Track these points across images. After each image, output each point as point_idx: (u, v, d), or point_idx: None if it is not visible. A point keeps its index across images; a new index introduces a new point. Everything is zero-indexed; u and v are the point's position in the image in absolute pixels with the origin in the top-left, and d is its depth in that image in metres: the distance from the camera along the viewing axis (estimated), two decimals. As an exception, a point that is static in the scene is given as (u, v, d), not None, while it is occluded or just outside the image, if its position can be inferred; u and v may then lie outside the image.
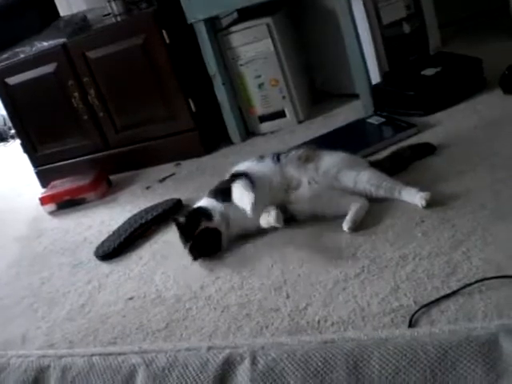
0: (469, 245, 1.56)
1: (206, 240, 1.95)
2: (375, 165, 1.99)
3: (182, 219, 1.99)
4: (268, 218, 1.88)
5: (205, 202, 2.04)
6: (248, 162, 2.09)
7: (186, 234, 1.97)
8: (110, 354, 0.80)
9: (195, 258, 1.95)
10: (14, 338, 1.90)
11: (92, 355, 0.81)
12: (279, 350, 0.71)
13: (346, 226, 1.79)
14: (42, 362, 0.83)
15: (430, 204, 1.76)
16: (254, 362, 0.71)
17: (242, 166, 2.07)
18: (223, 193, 2.00)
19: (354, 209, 1.83)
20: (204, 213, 1.97)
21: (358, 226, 1.80)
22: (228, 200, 1.96)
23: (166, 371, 0.75)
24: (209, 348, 0.77)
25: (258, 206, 1.86)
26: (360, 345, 0.69)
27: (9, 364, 0.84)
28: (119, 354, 0.79)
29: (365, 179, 1.89)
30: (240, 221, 1.94)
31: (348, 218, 1.81)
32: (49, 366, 0.81)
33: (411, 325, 1.34)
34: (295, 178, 1.97)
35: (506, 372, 0.66)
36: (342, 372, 0.67)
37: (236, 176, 2.01)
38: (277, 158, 2.03)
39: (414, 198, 1.80)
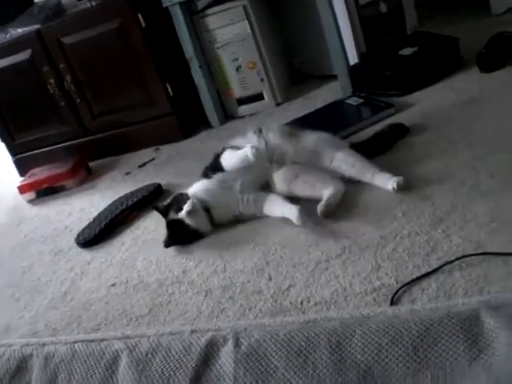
0: (448, 223, 1.57)
1: (174, 231, 1.96)
2: (356, 147, 1.99)
3: (162, 205, 2.02)
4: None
5: (198, 185, 2.03)
6: (231, 142, 2.09)
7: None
8: (93, 341, 0.79)
9: (166, 246, 1.96)
10: (-3, 328, 1.89)
11: (74, 342, 0.80)
12: (262, 331, 0.72)
13: (319, 211, 1.79)
14: (24, 351, 0.82)
15: (402, 188, 1.76)
16: (237, 343, 0.71)
17: (229, 144, 2.08)
18: (212, 168, 2.02)
19: (329, 193, 1.82)
20: (176, 202, 1.97)
21: (334, 210, 1.80)
22: (217, 171, 1.98)
23: (150, 355, 0.75)
24: (192, 331, 0.77)
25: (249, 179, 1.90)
26: (342, 323, 0.69)
27: (-10, 353, 0.83)
28: (102, 340, 0.79)
29: (341, 158, 1.90)
30: (229, 198, 1.95)
31: (322, 202, 1.81)
32: (31, 355, 0.81)
33: (393, 303, 1.36)
34: (278, 148, 1.98)
35: (488, 347, 0.67)
36: (325, 351, 0.68)
37: (221, 150, 2.04)
38: (259, 131, 2.05)
39: (387, 182, 1.79)
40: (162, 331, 0.78)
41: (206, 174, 2.03)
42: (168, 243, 1.96)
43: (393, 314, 0.68)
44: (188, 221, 1.92)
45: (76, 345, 0.80)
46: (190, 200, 1.92)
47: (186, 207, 1.90)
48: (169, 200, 2.04)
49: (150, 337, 0.76)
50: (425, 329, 0.66)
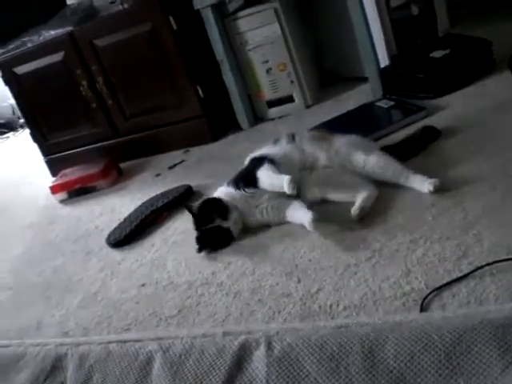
0: (480, 227, 1.55)
1: (216, 237, 1.94)
2: (387, 149, 1.98)
3: (195, 207, 1.99)
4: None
5: (223, 191, 2.01)
6: (265, 147, 2.09)
7: (197, 223, 1.98)
8: (127, 341, 0.80)
9: (199, 250, 1.96)
10: (29, 326, 1.91)
11: (109, 342, 0.81)
12: (294, 336, 0.72)
13: (353, 213, 1.78)
14: (59, 350, 0.83)
15: (438, 190, 1.75)
16: (269, 347, 0.72)
17: (260, 151, 2.07)
18: (245, 180, 1.98)
19: (362, 196, 1.81)
20: (220, 209, 1.94)
21: (367, 213, 1.79)
22: (251, 187, 1.95)
23: (183, 357, 0.75)
24: (224, 334, 0.78)
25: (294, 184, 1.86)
26: (374, 329, 0.69)
27: (26, 352, 0.85)
28: (136, 340, 0.80)
29: (373, 162, 1.89)
30: (258, 210, 1.94)
31: (356, 205, 1.80)
32: (66, 354, 0.82)
33: (423, 308, 1.35)
34: (311, 155, 1.98)
35: (521, 355, 0.67)
36: (358, 356, 0.68)
37: (256, 160, 2.01)
38: (292, 137, 2.04)
39: (422, 184, 1.78)
40: (195, 333, 0.79)
41: (237, 184, 1.99)
42: (201, 247, 1.96)
43: (425, 321, 0.68)
44: (234, 229, 1.93)
45: (110, 345, 0.81)
46: (234, 209, 1.93)
47: (233, 217, 1.91)
48: (198, 203, 2.01)
49: (183, 338, 0.76)
50: (458, 336, 0.65)
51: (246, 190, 1.96)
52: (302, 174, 1.96)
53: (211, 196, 2.04)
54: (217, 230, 1.93)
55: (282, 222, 1.93)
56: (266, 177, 1.92)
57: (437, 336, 0.67)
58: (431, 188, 1.75)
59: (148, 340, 0.79)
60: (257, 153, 2.08)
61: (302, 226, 1.84)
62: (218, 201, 1.98)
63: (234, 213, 1.93)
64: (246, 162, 2.09)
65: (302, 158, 1.98)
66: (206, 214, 1.96)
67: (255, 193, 1.95)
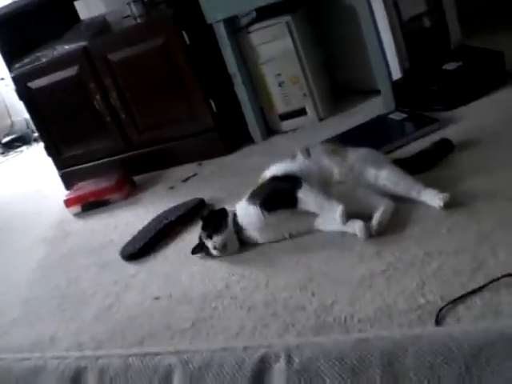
0: (495, 240, 1.55)
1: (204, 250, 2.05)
2: (400, 162, 1.98)
3: (205, 214, 2.07)
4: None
5: (240, 207, 2.02)
6: (281, 163, 2.07)
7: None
8: (147, 355, 0.81)
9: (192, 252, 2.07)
10: (43, 338, 1.92)
11: (128, 356, 0.82)
12: (314, 349, 0.72)
13: (371, 229, 1.77)
14: (79, 364, 0.84)
15: (448, 205, 1.74)
16: (289, 360, 0.72)
17: (276, 169, 2.05)
18: (276, 200, 1.94)
19: (380, 210, 1.81)
20: (213, 226, 2.01)
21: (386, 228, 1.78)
22: (280, 209, 1.92)
23: (203, 370, 0.76)
24: (244, 348, 0.78)
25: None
26: (394, 342, 0.69)
27: (46, 366, 0.85)
28: (155, 354, 0.80)
29: (384, 176, 1.88)
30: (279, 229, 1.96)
31: (374, 220, 1.79)
32: (86, 368, 0.83)
33: (438, 321, 1.34)
34: (327, 169, 1.97)
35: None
36: (378, 370, 0.68)
37: (284, 179, 1.98)
38: (307, 152, 2.04)
39: (433, 199, 1.77)
40: (215, 347, 0.79)
41: (265, 205, 1.94)
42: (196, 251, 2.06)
43: (445, 334, 0.68)
44: (215, 253, 1.99)
45: (130, 358, 0.81)
46: (226, 231, 1.97)
47: (216, 243, 1.97)
48: (209, 211, 2.10)
49: (202, 352, 0.77)
50: (477, 349, 0.65)
51: (269, 212, 1.93)
52: (325, 190, 1.92)
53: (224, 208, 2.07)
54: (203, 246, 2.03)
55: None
56: (312, 199, 1.88)
57: (457, 349, 0.67)
58: (441, 203, 1.75)
59: (167, 353, 0.79)
60: (276, 169, 2.05)
61: (316, 238, 1.85)
62: (221, 212, 2.04)
63: (221, 241, 1.96)
64: (263, 177, 2.07)
65: (319, 173, 1.97)
66: (207, 222, 2.03)
67: (277, 215, 1.93)
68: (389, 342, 0.69)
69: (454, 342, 0.66)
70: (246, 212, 1.99)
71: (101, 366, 0.81)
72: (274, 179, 2.02)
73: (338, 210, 1.80)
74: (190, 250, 2.07)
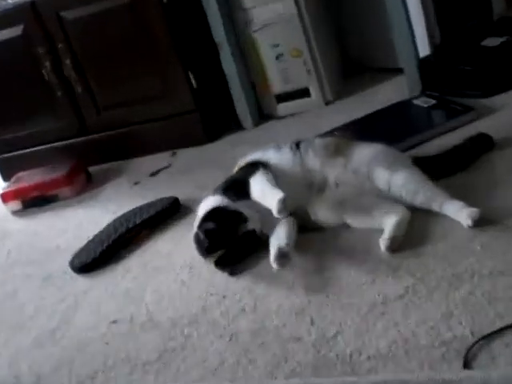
0: (541, 261, 1.56)
1: (246, 245, 1.97)
2: (421, 162, 1.96)
3: (210, 226, 1.97)
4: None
5: (211, 202, 2.03)
6: (262, 151, 2.10)
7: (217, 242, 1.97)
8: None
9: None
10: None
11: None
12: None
13: (383, 245, 1.77)
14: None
15: (478, 224, 1.73)
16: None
17: (255, 155, 2.09)
18: (236, 188, 2.00)
19: (392, 222, 1.81)
20: (234, 214, 1.95)
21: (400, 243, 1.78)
22: (243, 198, 1.96)
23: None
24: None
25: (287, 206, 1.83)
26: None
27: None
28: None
29: (400, 183, 1.87)
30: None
31: (386, 234, 1.79)
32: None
33: (467, 361, 1.35)
34: (318, 173, 1.97)
35: None
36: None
37: (252, 166, 2.03)
38: (296, 146, 2.04)
39: (459, 215, 1.76)
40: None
41: (226, 192, 2.01)
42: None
43: (481, 380, 0.68)
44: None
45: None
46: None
47: (278, 197, 1.85)
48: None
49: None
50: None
51: (237, 202, 1.96)
52: (309, 196, 1.95)
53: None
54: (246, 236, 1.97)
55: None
56: (259, 187, 1.93)
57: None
58: (469, 221, 1.73)
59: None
60: (253, 155, 2.10)
61: (317, 252, 1.85)
62: (220, 208, 1.99)
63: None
64: (239, 165, 2.11)
65: (305, 174, 1.98)
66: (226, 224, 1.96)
67: (246, 205, 1.95)
68: (409, 387, 0.69)
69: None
70: (208, 204, 2.02)
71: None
72: (246, 165, 2.07)
73: (278, 197, 1.80)
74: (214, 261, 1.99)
